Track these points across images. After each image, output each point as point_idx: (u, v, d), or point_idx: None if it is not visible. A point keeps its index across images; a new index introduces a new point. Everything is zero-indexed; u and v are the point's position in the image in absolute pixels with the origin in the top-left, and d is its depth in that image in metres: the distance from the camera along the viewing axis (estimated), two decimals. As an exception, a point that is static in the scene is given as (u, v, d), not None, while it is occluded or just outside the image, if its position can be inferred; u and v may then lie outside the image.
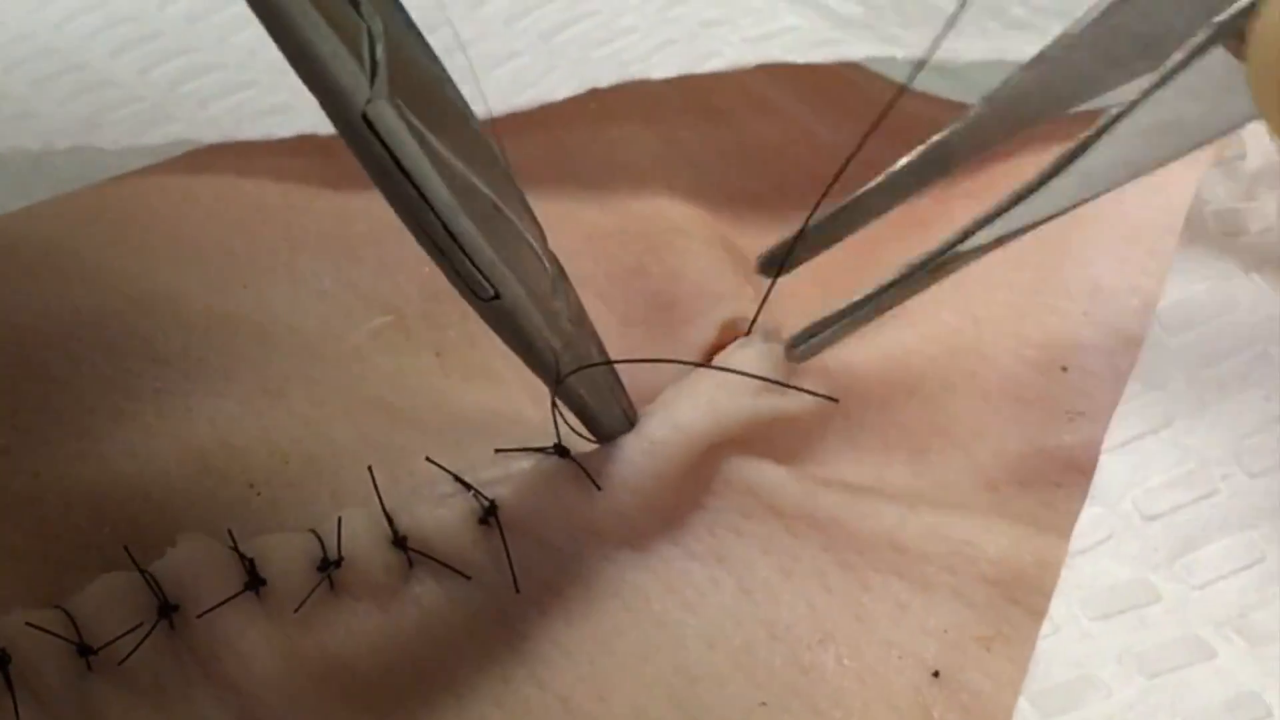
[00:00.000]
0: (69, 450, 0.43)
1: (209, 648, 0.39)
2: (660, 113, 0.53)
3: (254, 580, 0.39)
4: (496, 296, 0.38)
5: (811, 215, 0.45)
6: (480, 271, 0.37)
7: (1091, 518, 0.40)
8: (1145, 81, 0.39)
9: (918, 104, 0.54)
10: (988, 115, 0.43)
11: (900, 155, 0.51)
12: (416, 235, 0.37)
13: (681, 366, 0.44)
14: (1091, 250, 0.47)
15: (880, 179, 0.44)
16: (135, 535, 0.41)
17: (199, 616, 0.39)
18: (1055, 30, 0.51)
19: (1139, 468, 0.40)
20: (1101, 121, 0.40)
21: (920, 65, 0.43)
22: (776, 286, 0.49)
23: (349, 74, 0.35)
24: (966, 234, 0.42)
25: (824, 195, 0.45)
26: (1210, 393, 0.41)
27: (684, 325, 0.47)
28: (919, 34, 0.51)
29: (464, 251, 0.37)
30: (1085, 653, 0.39)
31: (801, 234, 0.44)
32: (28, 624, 0.38)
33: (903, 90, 0.43)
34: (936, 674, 0.41)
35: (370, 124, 0.35)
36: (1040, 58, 0.42)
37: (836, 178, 0.45)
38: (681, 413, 0.42)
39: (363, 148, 0.36)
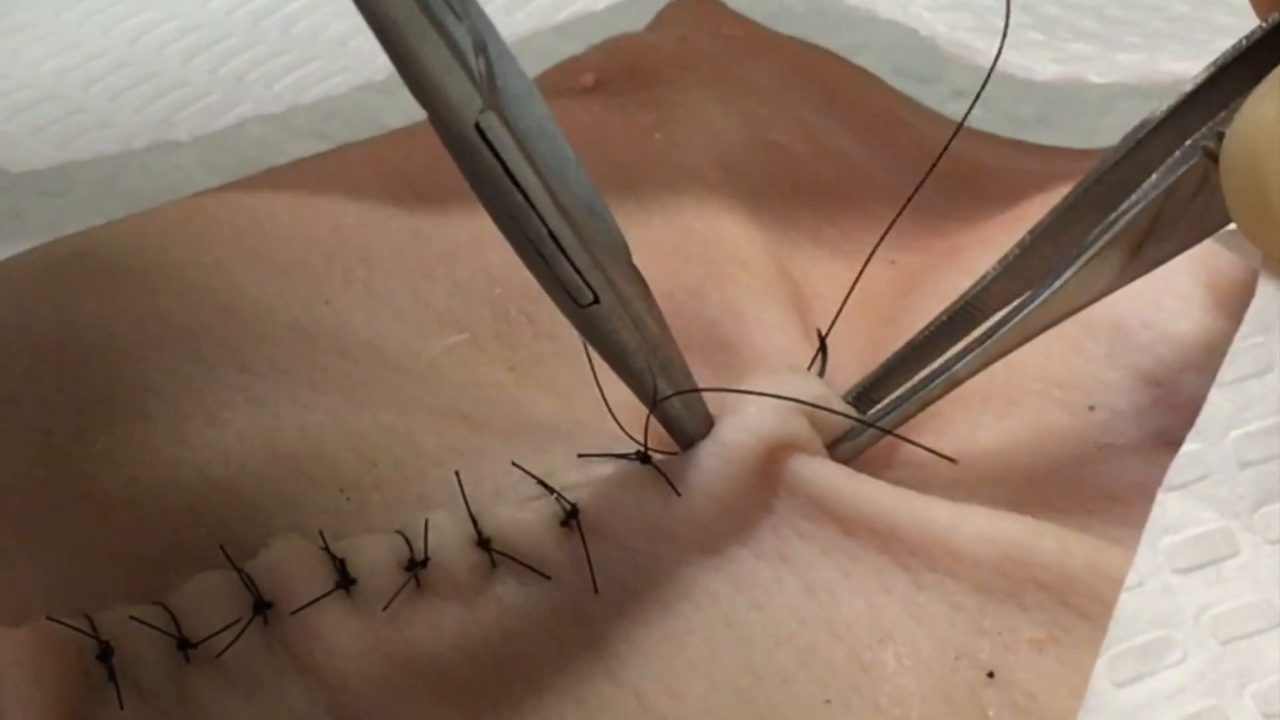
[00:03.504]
0: (165, 455, 0.45)
1: (302, 643, 0.41)
2: (721, 149, 0.55)
3: (345, 579, 0.41)
4: (596, 301, 0.39)
5: (858, 277, 0.47)
6: (581, 276, 0.39)
7: (1191, 454, 0.40)
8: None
9: (969, 142, 0.56)
10: (1003, 275, 0.45)
11: (951, 193, 0.53)
12: (518, 242, 0.39)
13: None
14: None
15: (911, 340, 0.46)
16: (229, 536, 0.42)
17: (292, 613, 0.40)
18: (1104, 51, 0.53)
19: (1243, 409, 0.40)
20: (1088, 249, 0.42)
21: (961, 122, 0.45)
22: (825, 317, 0.50)
23: (461, 85, 0.36)
24: (967, 350, 0.44)
25: (881, 239, 0.47)
26: None
27: (743, 377, 0.47)
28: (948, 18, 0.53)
29: (567, 256, 0.39)
30: (1166, 610, 0.39)
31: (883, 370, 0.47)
32: (131, 618, 0.40)
33: (956, 132, 0.45)
34: (991, 674, 0.41)
35: (483, 134, 0.37)
36: (1049, 217, 0.45)
37: (892, 224, 0.47)
38: (750, 417, 0.43)
39: (472, 158, 0.37)
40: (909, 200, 0.47)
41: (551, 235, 0.38)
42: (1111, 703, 0.38)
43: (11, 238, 0.54)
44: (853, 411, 0.46)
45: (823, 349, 0.47)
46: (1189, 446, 0.40)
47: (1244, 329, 0.41)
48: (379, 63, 0.49)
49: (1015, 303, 0.43)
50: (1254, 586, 0.39)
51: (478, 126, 0.37)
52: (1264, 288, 0.41)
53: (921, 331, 0.46)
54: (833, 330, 0.49)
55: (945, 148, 0.47)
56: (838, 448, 0.45)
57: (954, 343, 0.45)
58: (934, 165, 0.47)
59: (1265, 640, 0.39)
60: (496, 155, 0.37)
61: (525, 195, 0.38)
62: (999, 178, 0.55)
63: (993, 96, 0.54)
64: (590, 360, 0.42)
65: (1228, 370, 0.41)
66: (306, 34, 0.53)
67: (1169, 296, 0.47)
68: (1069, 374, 0.47)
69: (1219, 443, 0.40)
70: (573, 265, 0.39)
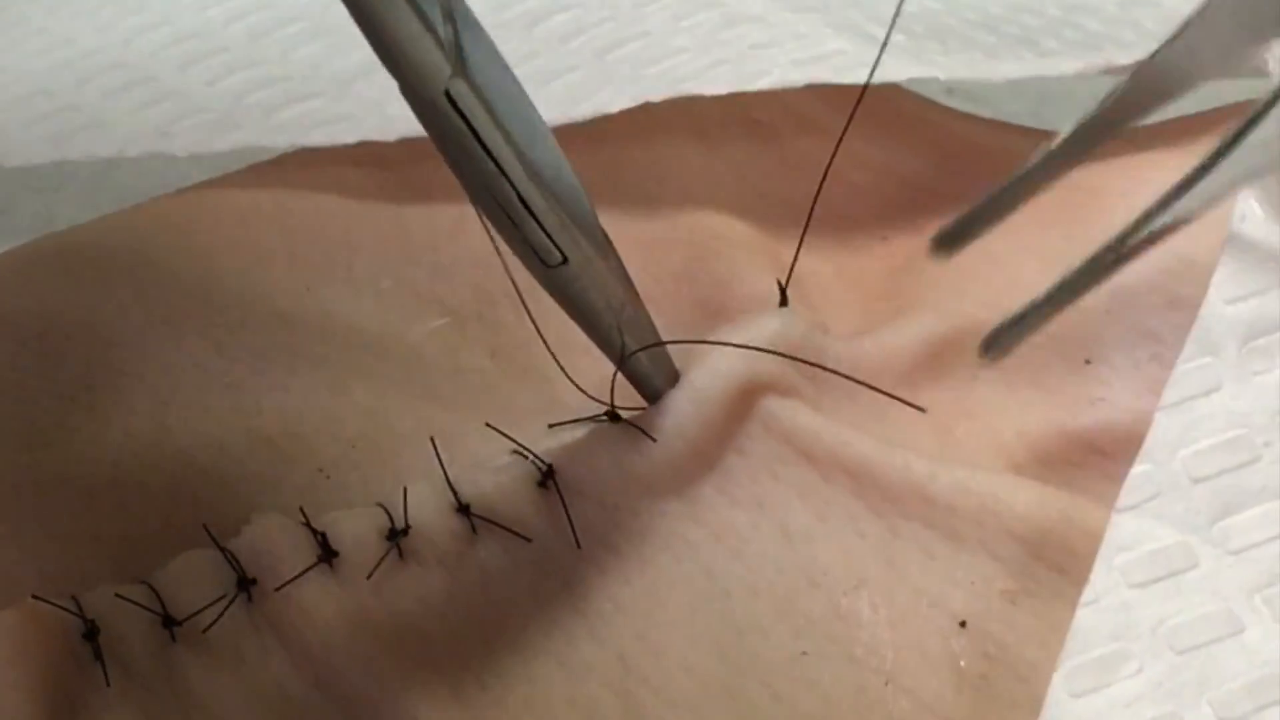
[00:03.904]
0: (146, 440, 0.45)
1: (286, 618, 0.41)
2: (705, 128, 0.55)
3: (327, 553, 0.41)
4: (565, 260, 0.40)
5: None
6: (550, 237, 0.39)
7: (1141, 475, 0.41)
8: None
9: (959, 123, 0.56)
10: (1131, 90, 0.43)
11: (942, 171, 0.53)
12: (487, 207, 0.39)
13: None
14: (1116, 252, 0.49)
15: (1037, 157, 0.44)
16: (212, 517, 0.42)
17: (276, 589, 0.41)
18: (1082, 56, 0.53)
19: (1190, 428, 0.41)
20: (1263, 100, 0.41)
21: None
22: (820, 292, 0.50)
23: (430, 53, 0.36)
24: (1149, 216, 0.42)
25: (819, 189, 0.47)
26: (1259, 361, 0.42)
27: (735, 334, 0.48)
28: (957, 60, 0.53)
29: (536, 219, 0.39)
30: (1122, 624, 0.40)
31: (974, 213, 0.45)
32: (117, 596, 0.40)
33: (866, 87, 0.46)
34: (964, 624, 0.42)
35: (453, 100, 0.37)
36: (1181, 30, 0.43)
37: (826, 172, 0.47)
38: (719, 361, 0.44)
39: (442, 124, 0.37)
40: (836, 150, 0.47)
41: (521, 199, 0.39)
42: (1069, 712, 0.39)
43: (3, 233, 0.54)
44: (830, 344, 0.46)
45: (783, 294, 0.47)
46: (1138, 468, 0.41)
47: (1187, 351, 0.42)
48: (389, 112, 0.49)
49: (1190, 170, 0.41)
50: (1215, 596, 0.40)
51: (448, 94, 0.37)
52: (1206, 311, 0.42)
53: (1021, 169, 0.44)
54: (825, 306, 0.49)
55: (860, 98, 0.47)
56: (984, 354, 0.44)
57: (1075, 163, 0.44)
58: (857, 104, 0.46)
59: (1224, 648, 0.39)
60: (466, 122, 0.37)
61: (495, 161, 0.38)
62: (986, 155, 0.55)
63: (985, 92, 0.54)
64: (539, 330, 0.43)
65: (1171, 393, 0.42)
66: (307, 63, 0.53)
67: (1175, 261, 0.47)
68: (1067, 328, 0.47)
69: (1168, 462, 0.41)
70: (541, 227, 0.39)
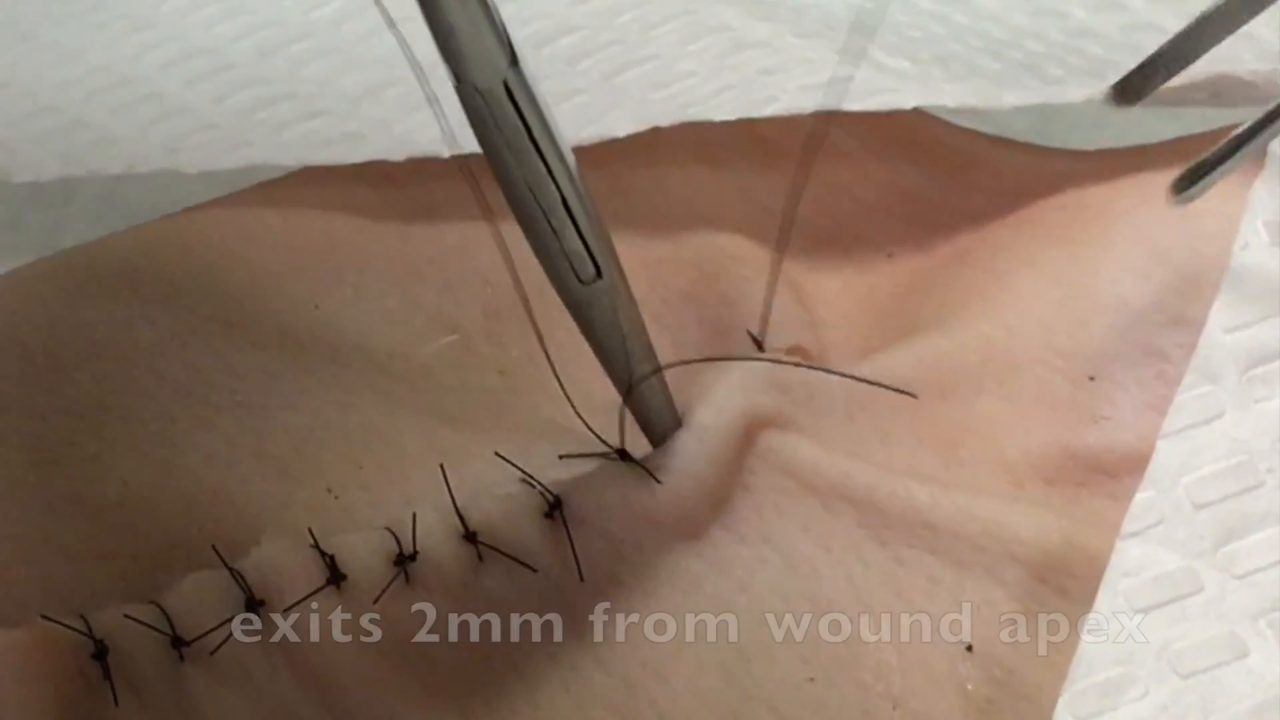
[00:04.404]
0: (155, 458, 0.45)
1: (293, 640, 0.41)
2: (712, 147, 0.55)
3: (335, 575, 0.41)
4: (599, 275, 0.40)
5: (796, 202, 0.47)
6: (588, 247, 0.39)
7: (1145, 501, 0.42)
8: None
9: (964, 139, 0.56)
10: None
11: (946, 187, 0.53)
12: (529, 212, 0.39)
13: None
14: (1121, 270, 0.48)
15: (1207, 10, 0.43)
16: (220, 536, 0.43)
17: (284, 611, 0.41)
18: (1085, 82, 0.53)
19: (1192, 455, 0.42)
20: None
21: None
22: (826, 307, 0.50)
23: (490, 40, 0.36)
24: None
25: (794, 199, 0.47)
26: (1260, 389, 0.43)
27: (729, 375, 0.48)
28: (963, 88, 0.53)
29: (576, 226, 0.39)
30: (1127, 648, 0.40)
31: (1153, 61, 0.44)
32: (125, 616, 0.40)
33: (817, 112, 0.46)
34: (970, 648, 0.42)
35: (509, 91, 0.37)
36: None
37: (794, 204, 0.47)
38: (720, 396, 0.44)
39: (497, 119, 0.37)
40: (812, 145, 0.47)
41: (564, 202, 0.39)
42: None
43: (10, 249, 0.54)
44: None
45: (759, 344, 0.48)
46: (1141, 495, 0.42)
47: (1188, 380, 0.43)
48: (396, 131, 0.49)
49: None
50: (1219, 621, 0.40)
51: (505, 83, 0.37)
52: (1206, 339, 0.43)
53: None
54: (831, 322, 0.50)
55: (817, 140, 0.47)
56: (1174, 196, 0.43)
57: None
58: (812, 155, 0.47)
59: (1228, 672, 0.40)
60: (521, 115, 0.37)
61: (543, 159, 0.38)
62: (986, 169, 0.55)
63: (986, 109, 0.54)
64: (553, 367, 0.43)
65: (1172, 421, 0.42)
66: (315, 81, 0.53)
67: (1180, 280, 0.48)
68: (1073, 345, 0.48)
69: (1171, 489, 0.42)
70: (581, 236, 0.39)
